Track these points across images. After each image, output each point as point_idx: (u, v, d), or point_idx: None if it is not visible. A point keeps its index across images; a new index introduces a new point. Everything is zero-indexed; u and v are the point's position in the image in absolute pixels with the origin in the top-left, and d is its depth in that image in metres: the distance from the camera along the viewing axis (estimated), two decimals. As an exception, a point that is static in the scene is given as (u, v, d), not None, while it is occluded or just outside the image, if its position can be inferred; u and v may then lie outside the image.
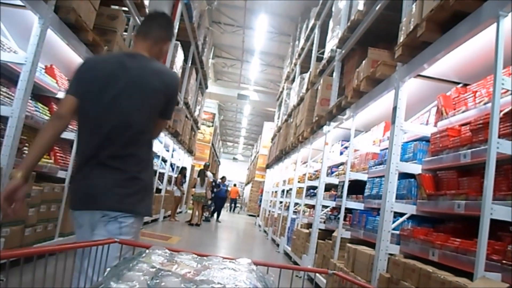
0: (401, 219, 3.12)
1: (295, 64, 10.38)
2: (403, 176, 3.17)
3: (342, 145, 6.00)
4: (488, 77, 2.57)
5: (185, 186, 12.95)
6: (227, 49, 17.59)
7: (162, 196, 10.03)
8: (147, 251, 0.85)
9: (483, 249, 1.87)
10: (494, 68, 2.00)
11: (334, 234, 4.32)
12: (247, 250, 8.36)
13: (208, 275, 0.72)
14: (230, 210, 22.75)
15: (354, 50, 5.08)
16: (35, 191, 3.57)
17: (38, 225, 3.68)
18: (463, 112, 2.69)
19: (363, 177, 4.25)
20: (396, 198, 3.04)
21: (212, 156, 21.65)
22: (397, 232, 2.98)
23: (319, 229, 5.20)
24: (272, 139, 14.32)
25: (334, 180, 5.43)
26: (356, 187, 4.46)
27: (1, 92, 3.23)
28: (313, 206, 6.24)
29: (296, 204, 7.91)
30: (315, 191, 6.32)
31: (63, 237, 4.22)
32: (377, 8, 4.04)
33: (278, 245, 8.35)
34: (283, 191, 9.42)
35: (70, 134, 3.74)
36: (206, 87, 14.93)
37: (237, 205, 24.89)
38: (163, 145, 9.73)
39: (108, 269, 0.77)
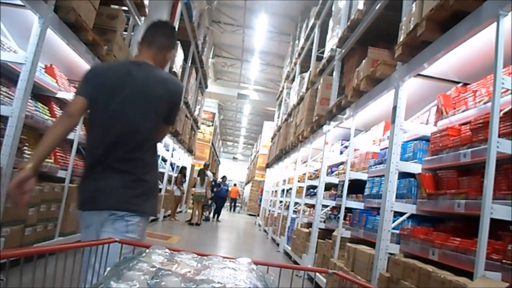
0: (401, 219, 3.12)
1: (295, 64, 10.37)
2: (403, 175, 3.16)
3: (342, 144, 5.99)
4: (488, 77, 2.57)
5: (185, 185, 12.95)
6: (227, 49, 17.58)
7: (162, 195, 10.04)
8: (147, 250, 0.85)
9: (483, 248, 1.87)
10: (494, 68, 2.00)
11: (334, 233, 4.32)
12: (247, 249, 8.36)
13: (208, 275, 0.72)
14: (230, 210, 22.76)
15: (354, 50, 5.08)
16: (35, 191, 3.57)
17: (38, 224, 3.68)
18: (463, 111, 2.69)
19: (363, 176, 4.25)
20: (396, 197, 3.04)
21: (212, 155, 21.64)
22: (397, 231, 2.98)
23: (319, 228, 5.20)
24: (272, 138, 14.32)
25: (334, 180, 5.43)
26: (356, 187, 4.46)
27: (1, 92, 3.22)
28: (313, 206, 6.24)
29: (296, 203, 7.91)
30: (315, 190, 6.33)
31: (63, 236, 4.22)
32: (377, 7, 4.04)
33: (278, 244, 8.35)
34: (283, 190, 9.42)
35: (70, 135, 3.73)
36: (206, 87, 14.92)
37: (237, 204, 24.90)
38: (163, 145, 9.73)
39: (109, 268, 0.77)
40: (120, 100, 1.72)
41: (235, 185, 24.38)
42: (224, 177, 15.84)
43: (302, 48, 9.36)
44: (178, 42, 8.27)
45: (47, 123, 3.82)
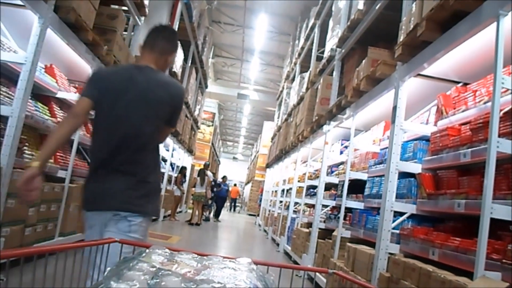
0: (401, 219, 3.12)
1: (295, 64, 10.37)
2: (403, 175, 3.16)
3: (342, 144, 5.99)
4: (488, 76, 2.57)
5: (185, 185, 12.95)
6: (227, 49, 17.58)
7: (162, 195, 10.03)
8: (147, 250, 0.85)
9: (483, 248, 1.87)
10: (494, 67, 2.00)
11: (334, 233, 4.32)
12: (247, 249, 8.36)
13: (208, 275, 0.72)
14: (230, 210, 22.76)
15: (354, 50, 5.08)
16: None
17: (38, 224, 3.68)
18: (463, 111, 2.69)
19: (363, 176, 4.24)
20: (396, 197, 3.03)
21: (212, 155, 21.64)
22: (397, 231, 2.98)
23: (319, 228, 5.20)
24: (272, 138, 14.32)
25: (334, 180, 5.43)
26: (356, 187, 4.45)
27: (1, 92, 3.22)
28: (313, 206, 6.24)
29: (296, 203, 7.91)
30: (315, 190, 6.33)
31: (63, 236, 4.22)
32: (377, 7, 4.04)
33: (278, 244, 8.35)
34: (283, 190, 9.42)
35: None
36: (206, 87, 14.92)
37: (237, 204, 24.90)
38: (163, 145, 9.72)
39: (109, 268, 0.77)
40: (124, 104, 1.77)
41: (235, 185, 24.38)
42: (224, 177, 15.86)
43: (302, 48, 9.36)
44: (178, 42, 8.27)
45: (47, 123, 3.82)
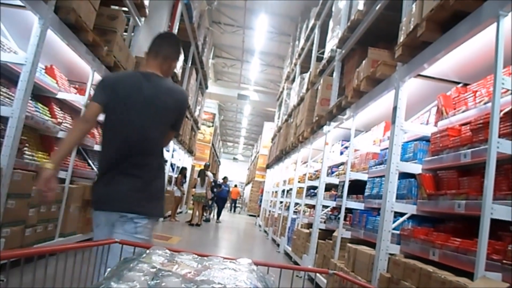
0: (401, 219, 3.12)
1: (295, 64, 10.37)
2: (404, 176, 3.16)
3: (342, 145, 5.99)
4: (488, 77, 2.57)
5: (185, 186, 12.95)
6: (227, 49, 17.58)
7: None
8: (147, 251, 0.85)
9: (483, 248, 1.87)
10: (494, 68, 2.00)
11: (335, 234, 4.32)
12: (247, 250, 8.36)
13: (209, 275, 0.72)
14: (230, 210, 22.76)
15: (354, 50, 5.08)
16: (35, 191, 3.56)
17: (38, 225, 3.68)
18: (463, 111, 2.69)
19: (363, 177, 4.24)
20: (397, 198, 3.03)
21: (212, 156, 21.65)
22: (398, 232, 2.98)
23: (320, 229, 5.20)
24: (272, 139, 14.32)
25: (334, 180, 5.42)
26: (357, 187, 4.45)
27: (1, 93, 3.23)
28: (313, 206, 6.24)
29: (296, 204, 7.91)
30: (315, 191, 6.32)
31: (64, 237, 4.22)
32: (377, 8, 4.04)
33: (278, 245, 8.35)
34: (283, 191, 9.42)
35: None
36: (206, 87, 14.93)
37: (238, 205, 24.90)
38: (163, 146, 9.72)
39: (109, 269, 0.77)
40: (132, 110, 1.86)
41: (235, 186, 24.38)
42: (225, 178, 15.87)
43: (302, 48, 9.36)
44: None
45: (47, 124, 3.82)
